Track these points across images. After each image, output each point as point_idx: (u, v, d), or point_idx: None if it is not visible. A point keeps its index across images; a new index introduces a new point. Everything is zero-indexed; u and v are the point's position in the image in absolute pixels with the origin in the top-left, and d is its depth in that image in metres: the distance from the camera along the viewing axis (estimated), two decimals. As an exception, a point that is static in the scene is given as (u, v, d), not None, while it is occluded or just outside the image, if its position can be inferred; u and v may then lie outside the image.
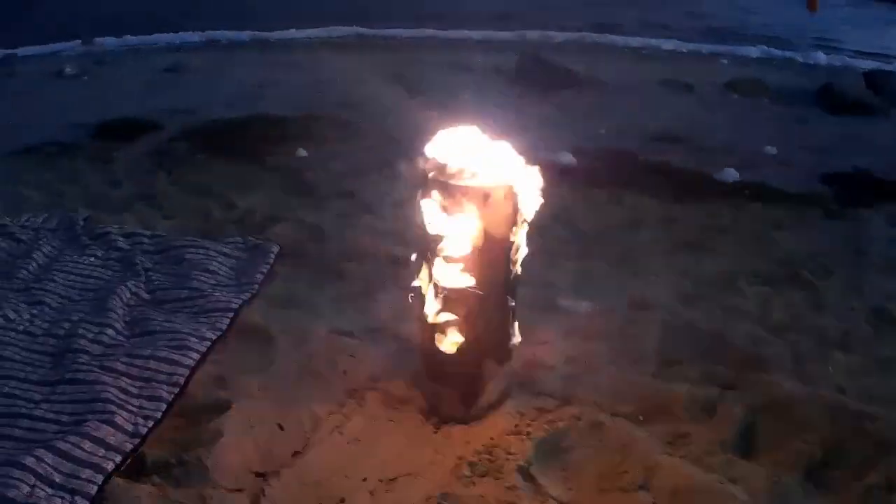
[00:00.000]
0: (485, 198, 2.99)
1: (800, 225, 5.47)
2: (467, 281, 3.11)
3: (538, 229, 3.33)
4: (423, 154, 3.13)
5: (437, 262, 3.12)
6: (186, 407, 3.29)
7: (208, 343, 3.78)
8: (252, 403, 3.26)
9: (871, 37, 13.05)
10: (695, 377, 3.58)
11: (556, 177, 4.32)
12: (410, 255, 3.22)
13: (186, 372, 3.53)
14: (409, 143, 3.76)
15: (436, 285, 3.16)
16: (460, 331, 3.21)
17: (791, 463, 3.05)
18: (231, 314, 4.05)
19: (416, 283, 3.27)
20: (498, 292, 3.14)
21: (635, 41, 11.84)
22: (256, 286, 4.36)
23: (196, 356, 3.64)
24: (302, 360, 3.63)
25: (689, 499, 2.83)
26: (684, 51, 11.60)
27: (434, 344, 3.26)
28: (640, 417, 3.31)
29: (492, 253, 3.06)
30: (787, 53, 11.46)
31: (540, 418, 3.29)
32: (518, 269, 3.17)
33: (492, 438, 3.18)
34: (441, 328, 3.23)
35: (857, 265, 4.86)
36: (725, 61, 11.08)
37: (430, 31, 12.00)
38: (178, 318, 3.96)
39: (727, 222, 5.50)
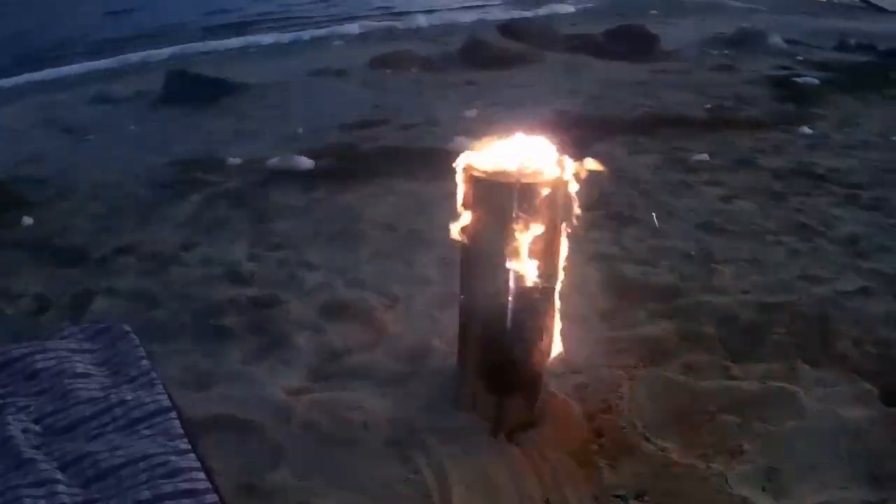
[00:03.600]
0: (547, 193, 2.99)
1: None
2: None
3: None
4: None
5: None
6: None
7: (192, 456, 3.20)
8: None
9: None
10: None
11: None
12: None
13: (215, 497, 2.97)
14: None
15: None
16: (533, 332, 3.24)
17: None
18: (173, 413, 3.46)
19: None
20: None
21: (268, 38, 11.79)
22: (154, 375, 3.77)
23: (202, 475, 3.07)
24: (317, 424, 3.39)
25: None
26: (307, 38, 11.74)
27: (502, 351, 3.23)
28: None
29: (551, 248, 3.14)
30: (388, 23, 12.08)
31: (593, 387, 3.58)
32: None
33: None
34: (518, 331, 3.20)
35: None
36: (339, 42, 11.44)
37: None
38: (117, 440, 3.29)
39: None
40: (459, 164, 3.10)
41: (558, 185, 3.01)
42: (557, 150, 3.13)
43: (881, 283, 4.63)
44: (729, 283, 4.64)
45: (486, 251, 3.11)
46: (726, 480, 3.02)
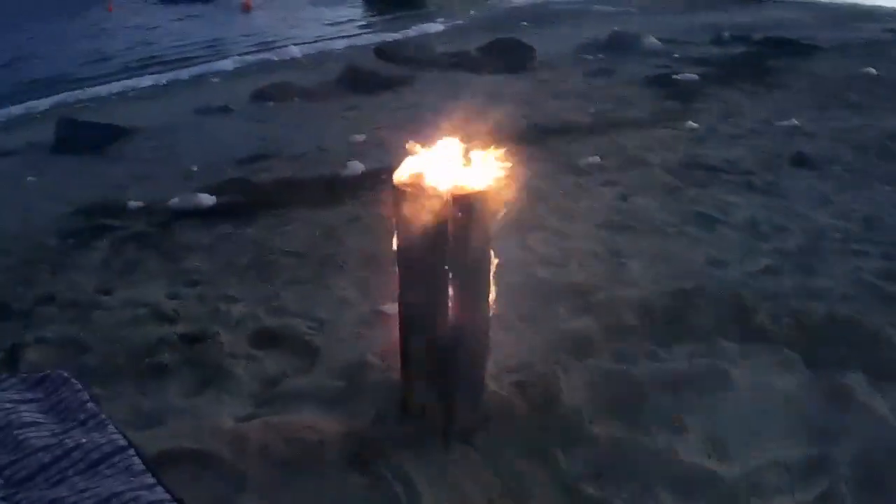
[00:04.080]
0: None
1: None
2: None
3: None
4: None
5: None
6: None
7: (161, 489, 3.26)
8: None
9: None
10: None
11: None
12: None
13: None
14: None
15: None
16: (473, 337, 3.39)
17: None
18: (131, 451, 3.51)
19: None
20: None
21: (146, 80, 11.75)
22: (102, 416, 3.81)
23: None
24: (273, 447, 3.43)
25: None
26: (185, 77, 11.74)
27: (446, 358, 3.35)
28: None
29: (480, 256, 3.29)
30: (262, 56, 12.17)
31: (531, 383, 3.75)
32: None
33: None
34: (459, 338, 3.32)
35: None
36: (216, 80, 11.47)
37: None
38: (81, 483, 3.33)
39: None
40: (394, 177, 3.22)
41: (489, 193, 3.16)
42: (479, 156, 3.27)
43: (785, 260, 4.96)
44: (639, 275, 4.90)
45: (422, 262, 3.23)
46: (675, 451, 3.23)
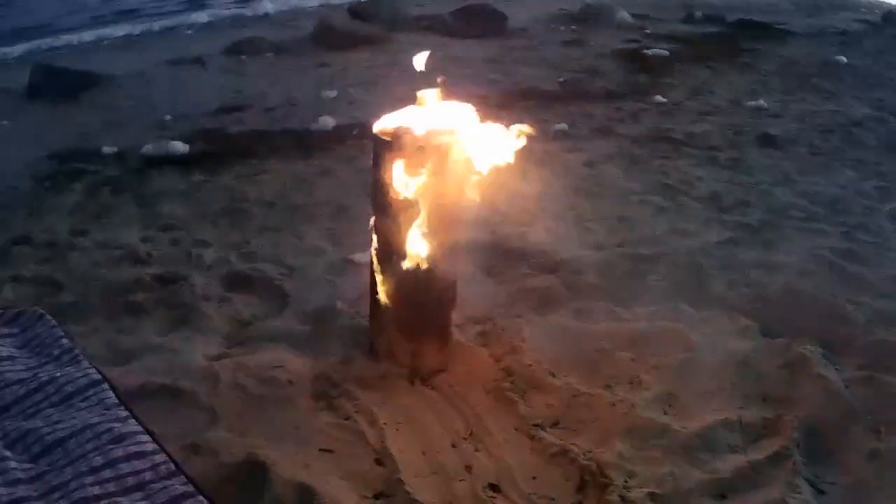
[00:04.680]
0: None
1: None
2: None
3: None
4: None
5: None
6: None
7: (133, 422, 3.33)
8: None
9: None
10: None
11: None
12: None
13: (164, 456, 3.10)
14: None
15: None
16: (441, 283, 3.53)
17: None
18: (105, 385, 3.58)
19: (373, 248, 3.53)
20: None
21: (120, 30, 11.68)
22: (77, 351, 3.88)
23: (148, 438, 3.19)
24: (244, 385, 3.57)
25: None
26: (157, 29, 11.73)
27: (416, 301, 3.52)
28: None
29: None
30: (236, 11, 12.14)
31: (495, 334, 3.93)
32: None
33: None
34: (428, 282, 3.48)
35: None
36: (189, 32, 11.47)
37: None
38: (56, 415, 3.39)
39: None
40: (374, 125, 3.35)
41: (460, 143, 3.31)
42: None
43: (745, 233, 5.11)
44: (602, 239, 5.03)
45: (395, 210, 3.35)
46: (632, 405, 3.37)
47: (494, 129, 3.39)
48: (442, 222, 3.36)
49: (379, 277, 3.54)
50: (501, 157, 3.37)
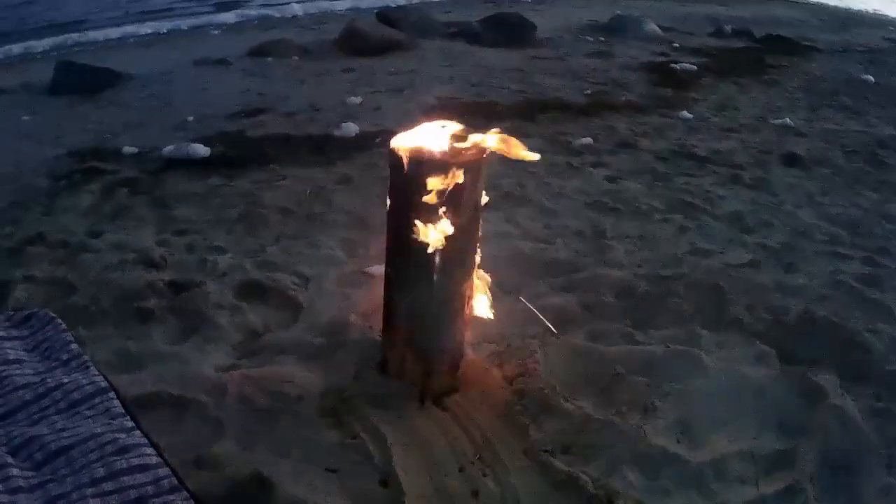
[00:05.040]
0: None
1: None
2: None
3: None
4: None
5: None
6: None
7: (138, 433, 3.29)
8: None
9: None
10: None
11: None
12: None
13: (168, 470, 3.07)
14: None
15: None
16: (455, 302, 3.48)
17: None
18: (112, 393, 3.55)
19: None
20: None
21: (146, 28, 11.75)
22: (85, 357, 3.85)
23: (152, 450, 3.16)
24: (252, 398, 3.53)
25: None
26: (184, 28, 11.76)
27: (430, 319, 3.45)
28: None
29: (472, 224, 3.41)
30: (263, 11, 12.15)
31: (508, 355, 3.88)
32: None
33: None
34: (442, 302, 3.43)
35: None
36: (216, 32, 11.47)
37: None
38: (61, 422, 3.35)
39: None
40: (392, 141, 3.25)
41: (478, 162, 3.23)
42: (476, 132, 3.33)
43: (767, 255, 5.04)
44: (622, 258, 4.96)
45: (410, 226, 3.28)
46: (644, 433, 3.31)
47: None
48: (461, 238, 3.30)
49: (393, 293, 3.49)
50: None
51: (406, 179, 3.22)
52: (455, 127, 3.32)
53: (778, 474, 3.17)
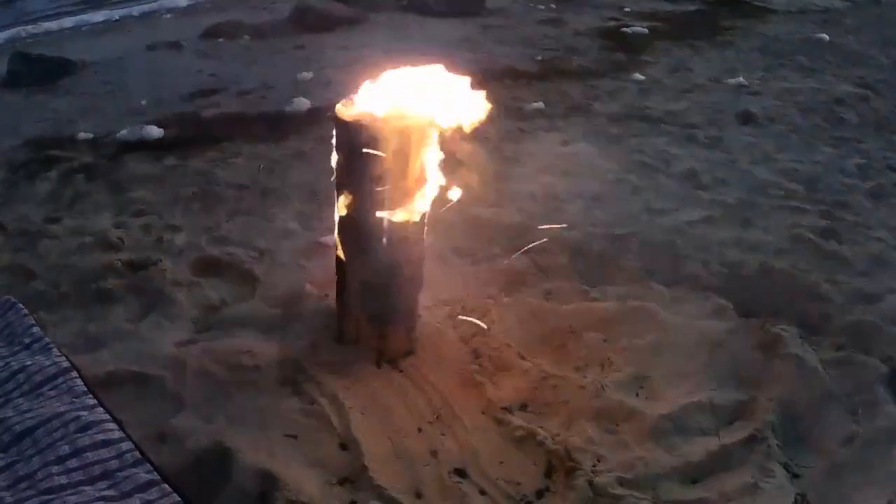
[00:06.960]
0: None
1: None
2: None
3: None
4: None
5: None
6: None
7: (101, 410, 3.29)
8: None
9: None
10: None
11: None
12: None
13: (131, 444, 3.07)
14: None
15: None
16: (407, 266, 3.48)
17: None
18: (74, 373, 3.54)
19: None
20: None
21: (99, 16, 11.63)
22: (47, 340, 3.83)
23: (114, 426, 3.15)
24: (211, 371, 3.53)
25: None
26: (136, 14, 11.67)
27: (382, 284, 3.47)
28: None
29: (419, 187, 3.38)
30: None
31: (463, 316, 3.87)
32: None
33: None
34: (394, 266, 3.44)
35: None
36: (168, 16, 11.44)
37: None
38: (25, 404, 3.34)
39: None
40: (336, 108, 3.26)
41: (425, 126, 3.23)
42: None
43: (723, 211, 5.08)
44: (576, 218, 4.95)
45: (358, 192, 3.31)
46: (602, 387, 3.35)
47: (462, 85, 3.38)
48: (409, 203, 3.31)
49: (344, 260, 3.50)
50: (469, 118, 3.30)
51: (349, 147, 3.22)
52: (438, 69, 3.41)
53: (739, 424, 3.20)
